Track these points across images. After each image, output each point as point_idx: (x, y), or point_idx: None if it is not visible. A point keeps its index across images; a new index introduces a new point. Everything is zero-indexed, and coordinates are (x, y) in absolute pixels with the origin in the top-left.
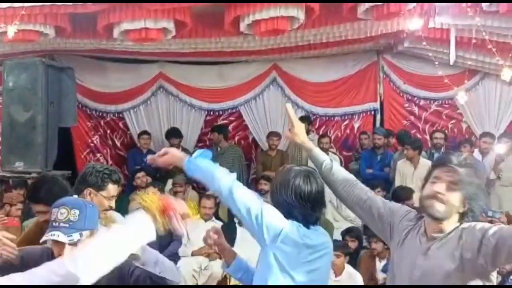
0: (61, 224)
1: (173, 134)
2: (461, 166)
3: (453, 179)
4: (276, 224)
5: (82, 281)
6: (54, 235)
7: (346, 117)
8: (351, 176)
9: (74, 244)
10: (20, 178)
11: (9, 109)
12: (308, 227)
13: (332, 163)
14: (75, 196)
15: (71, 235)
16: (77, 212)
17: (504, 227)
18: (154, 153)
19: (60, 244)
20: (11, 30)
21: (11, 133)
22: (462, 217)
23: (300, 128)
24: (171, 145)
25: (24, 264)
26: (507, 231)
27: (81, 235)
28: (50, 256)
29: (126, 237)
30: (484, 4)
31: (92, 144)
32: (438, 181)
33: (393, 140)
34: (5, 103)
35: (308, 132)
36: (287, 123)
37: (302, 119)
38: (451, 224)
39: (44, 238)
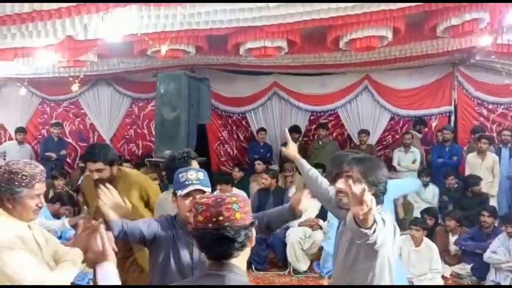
0: (194, 181)
1: (294, 130)
2: (355, 161)
3: (349, 174)
4: None
5: None
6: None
7: (425, 118)
8: (324, 180)
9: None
10: None
11: (161, 110)
12: None
13: (312, 169)
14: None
15: (208, 187)
16: (202, 174)
17: None
18: (269, 146)
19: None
20: (163, 49)
21: (161, 128)
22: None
23: (292, 147)
24: (292, 139)
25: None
26: None
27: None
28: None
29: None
30: None
31: (221, 138)
32: (338, 179)
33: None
34: (157, 105)
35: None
36: (376, 123)
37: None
38: None
39: (187, 190)
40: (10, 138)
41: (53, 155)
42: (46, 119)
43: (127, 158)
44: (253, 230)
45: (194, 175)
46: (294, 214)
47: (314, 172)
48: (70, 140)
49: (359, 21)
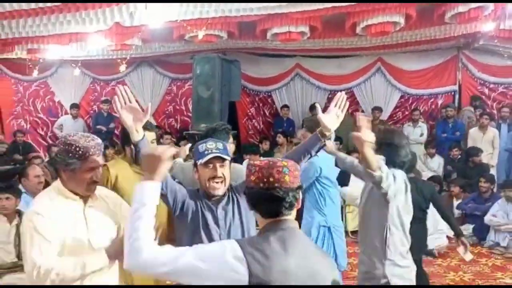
0: (214, 150)
1: (315, 107)
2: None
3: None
4: None
5: None
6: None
7: (432, 96)
8: (349, 157)
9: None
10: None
11: (197, 89)
12: None
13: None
14: None
15: (228, 156)
16: (221, 144)
17: None
18: (292, 121)
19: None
20: (200, 34)
21: (198, 105)
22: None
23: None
24: (313, 115)
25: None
26: None
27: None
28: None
29: None
30: None
31: (249, 113)
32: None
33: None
34: (194, 85)
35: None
36: (387, 101)
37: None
38: None
39: (207, 158)
40: (66, 113)
41: (103, 128)
42: (96, 97)
43: (167, 131)
44: (300, 193)
45: (214, 145)
46: (322, 135)
47: (342, 154)
48: (117, 115)
49: (374, 8)
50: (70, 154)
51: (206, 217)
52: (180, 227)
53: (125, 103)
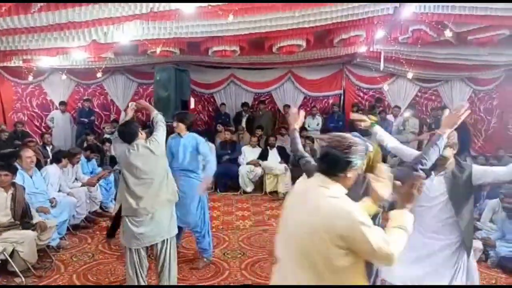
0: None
1: (245, 105)
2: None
3: None
4: None
5: None
6: None
7: (325, 97)
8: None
9: None
10: None
11: (157, 91)
12: None
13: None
14: None
15: None
16: None
17: None
18: (228, 114)
19: None
20: (158, 50)
21: (158, 102)
22: None
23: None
24: (244, 110)
25: None
26: None
27: None
28: None
29: None
30: (400, 38)
31: (197, 109)
32: None
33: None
34: (155, 88)
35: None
36: (295, 100)
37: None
38: None
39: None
40: (56, 108)
41: (85, 120)
42: (80, 96)
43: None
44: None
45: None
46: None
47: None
48: (97, 110)
49: (284, 35)
50: (360, 154)
51: None
52: None
53: None
